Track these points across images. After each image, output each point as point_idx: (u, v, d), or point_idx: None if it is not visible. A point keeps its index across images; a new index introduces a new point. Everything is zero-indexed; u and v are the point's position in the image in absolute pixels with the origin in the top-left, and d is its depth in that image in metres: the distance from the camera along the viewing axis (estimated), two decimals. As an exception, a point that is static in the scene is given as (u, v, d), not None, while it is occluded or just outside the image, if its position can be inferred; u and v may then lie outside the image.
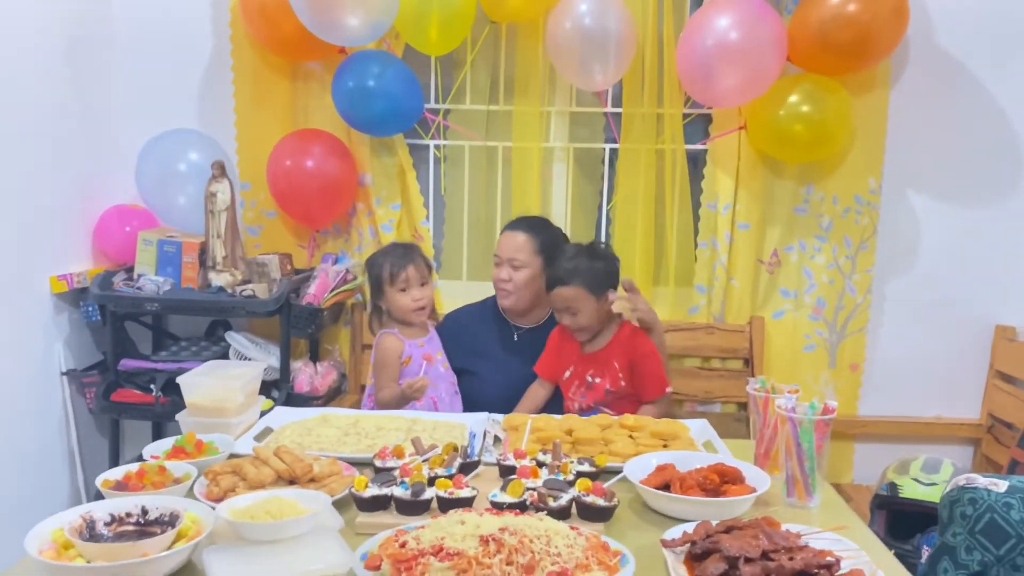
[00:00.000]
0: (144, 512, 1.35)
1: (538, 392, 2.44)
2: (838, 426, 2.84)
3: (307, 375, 2.77)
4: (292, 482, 1.54)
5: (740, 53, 2.53)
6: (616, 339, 2.35)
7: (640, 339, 2.38)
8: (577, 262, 2.30)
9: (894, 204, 2.85)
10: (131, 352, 2.83)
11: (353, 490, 1.47)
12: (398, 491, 1.47)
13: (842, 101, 2.64)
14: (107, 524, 1.33)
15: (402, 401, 2.33)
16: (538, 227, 2.52)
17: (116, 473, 1.53)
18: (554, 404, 2.43)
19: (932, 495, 2.15)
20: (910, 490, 2.19)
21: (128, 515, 1.35)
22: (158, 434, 3.02)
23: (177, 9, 2.91)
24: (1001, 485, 1.42)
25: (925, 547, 2.06)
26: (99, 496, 1.48)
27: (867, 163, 2.80)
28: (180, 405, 2.55)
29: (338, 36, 2.59)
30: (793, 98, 2.62)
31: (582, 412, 2.33)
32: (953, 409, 2.93)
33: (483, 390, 2.51)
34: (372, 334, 2.55)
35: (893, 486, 2.23)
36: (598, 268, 2.31)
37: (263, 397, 2.04)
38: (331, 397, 2.86)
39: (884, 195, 2.83)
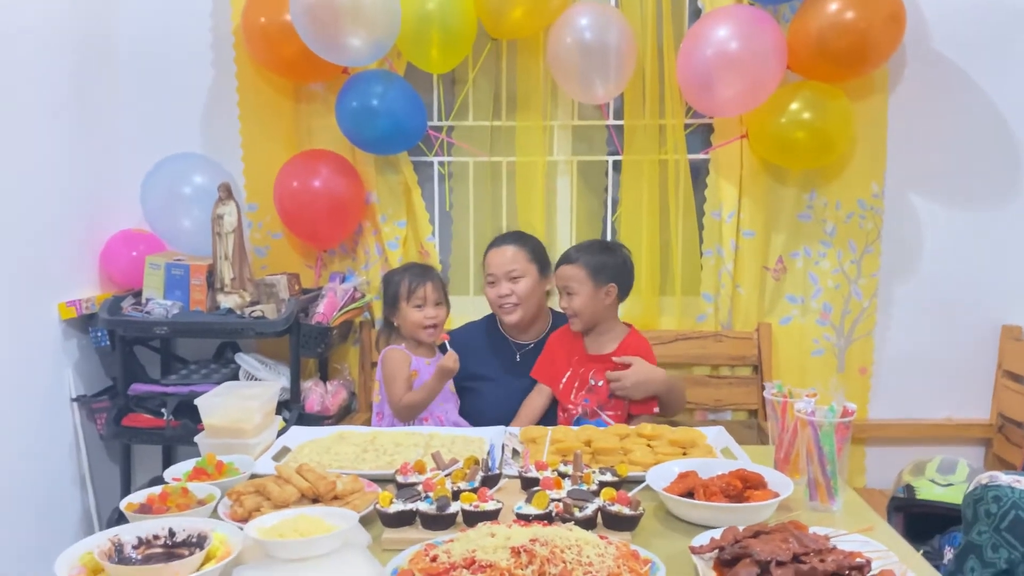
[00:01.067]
0: (172, 534, 1.35)
1: (536, 401, 2.45)
2: (849, 430, 2.85)
3: (318, 394, 2.77)
4: (316, 500, 1.54)
5: (740, 62, 2.55)
6: (623, 346, 2.37)
7: (645, 350, 2.41)
8: (588, 248, 2.41)
9: (897, 208, 2.87)
10: (141, 376, 2.83)
11: (378, 506, 1.47)
12: (423, 506, 1.47)
13: (842, 107, 2.66)
14: (135, 547, 1.32)
15: (438, 386, 2.35)
16: (523, 238, 2.58)
17: (139, 496, 1.53)
18: (551, 414, 2.44)
19: (949, 496, 2.16)
20: (927, 492, 2.20)
21: (156, 537, 1.34)
22: (168, 458, 3.01)
23: (179, 34, 2.93)
24: (1024, 482, 1.43)
25: (947, 547, 2.06)
26: (117, 521, 1.48)
27: (869, 168, 2.82)
28: (192, 429, 2.57)
29: (341, 56, 2.60)
30: (794, 106, 2.65)
31: (583, 419, 2.33)
32: (963, 410, 2.94)
33: (485, 409, 2.50)
34: (378, 351, 2.56)
35: (909, 488, 2.23)
36: (605, 259, 2.38)
37: (278, 416, 2.04)
38: (341, 416, 2.85)
39: (887, 199, 2.85)
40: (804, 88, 2.67)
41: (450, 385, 2.52)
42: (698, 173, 2.93)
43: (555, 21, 2.68)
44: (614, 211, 2.99)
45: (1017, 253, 2.86)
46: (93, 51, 2.86)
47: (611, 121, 2.94)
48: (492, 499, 1.49)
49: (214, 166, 2.81)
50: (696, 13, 2.86)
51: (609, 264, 2.37)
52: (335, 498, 1.54)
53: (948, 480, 2.19)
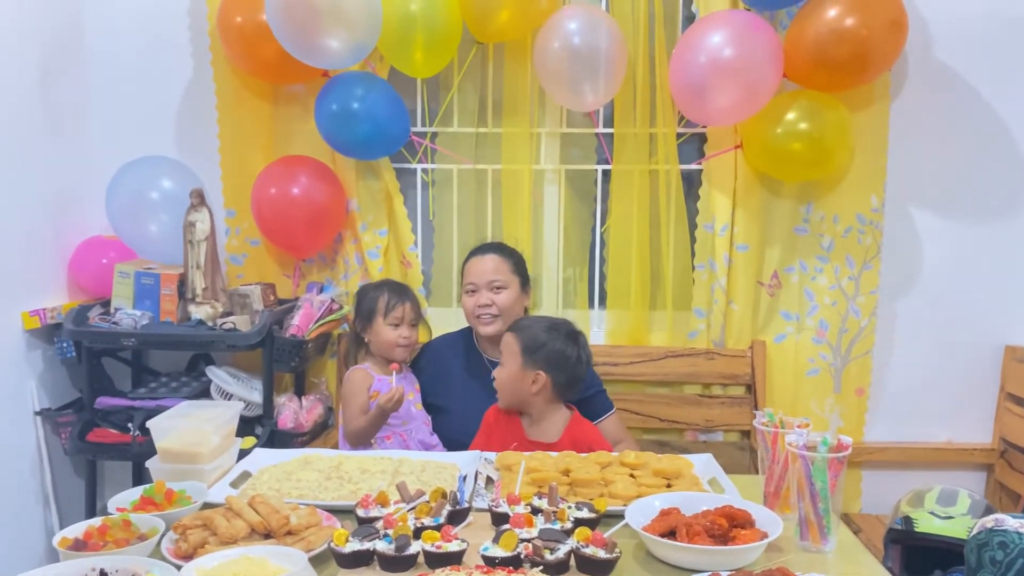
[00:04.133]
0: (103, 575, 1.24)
1: None
2: (846, 454, 2.74)
3: (291, 410, 2.65)
4: (268, 535, 1.43)
5: (735, 70, 2.45)
6: (568, 434, 2.12)
7: (593, 436, 2.16)
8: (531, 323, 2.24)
9: (898, 222, 2.75)
10: (108, 389, 2.72)
11: (332, 545, 1.36)
12: (381, 545, 1.35)
13: (841, 117, 2.56)
14: (60, 591, 1.22)
15: (379, 420, 2.28)
16: (504, 249, 2.50)
17: (76, 530, 1.42)
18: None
19: (949, 529, 2.04)
20: (926, 524, 2.07)
21: (84, 580, 1.23)
22: (139, 476, 2.89)
23: (153, 36, 2.83)
24: (1032, 527, 1.31)
25: (945, 587, 1.95)
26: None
27: (868, 180, 2.71)
28: (157, 446, 2.46)
29: (319, 59, 2.50)
30: (790, 115, 2.54)
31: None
32: (964, 434, 2.82)
33: (453, 428, 2.39)
34: (346, 367, 2.49)
35: (907, 520, 2.11)
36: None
37: (240, 439, 1.92)
38: (317, 433, 2.73)
39: (887, 213, 2.74)
40: (801, 97, 2.56)
41: (418, 403, 2.45)
42: (690, 184, 2.82)
43: (543, 24, 2.58)
44: (603, 222, 2.88)
45: (1021, 270, 2.75)
46: (63, 50, 2.75)
47: (601, 129, 2.83)
48: (456, 538, 1.38)
49: (183, 170, 2.70)
50: (690, 18, 2.75)
51: (545, 347, 2.12)
52: (288, 533, 1.43)
53: (948, 512, 2.06)
